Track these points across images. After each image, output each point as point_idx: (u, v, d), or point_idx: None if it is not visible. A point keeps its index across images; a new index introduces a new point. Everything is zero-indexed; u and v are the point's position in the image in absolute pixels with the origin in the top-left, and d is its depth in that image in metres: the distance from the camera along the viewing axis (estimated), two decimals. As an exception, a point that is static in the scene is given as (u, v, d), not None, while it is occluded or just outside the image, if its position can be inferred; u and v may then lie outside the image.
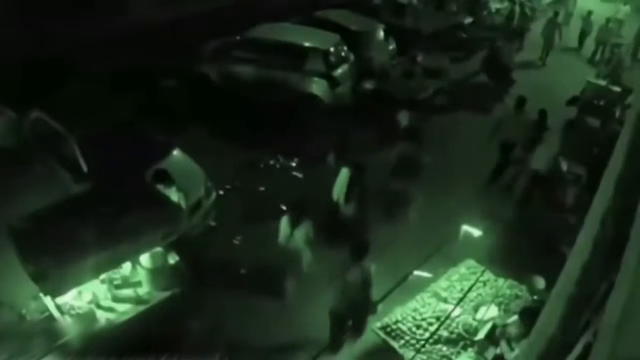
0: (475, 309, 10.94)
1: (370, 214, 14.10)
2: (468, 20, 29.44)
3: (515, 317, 9.68)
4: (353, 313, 10.95)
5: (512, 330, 9.63)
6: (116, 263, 10.35)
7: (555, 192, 15.29)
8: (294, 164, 16.84)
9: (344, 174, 13.48)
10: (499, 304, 10.99)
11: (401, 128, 15.63)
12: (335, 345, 11.37)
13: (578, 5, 33.97)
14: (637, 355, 3.21)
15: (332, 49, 19.67)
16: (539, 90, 21.39)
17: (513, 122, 16.03)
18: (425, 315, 10.86)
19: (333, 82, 19.44)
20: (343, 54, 20.34)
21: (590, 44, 30.16)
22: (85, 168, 12.62)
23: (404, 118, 15.91)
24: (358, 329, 11.25)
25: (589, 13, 30.30)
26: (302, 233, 11.72)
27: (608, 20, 29.48)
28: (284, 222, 11.86)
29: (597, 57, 29.46)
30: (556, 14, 29.00)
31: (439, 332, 10.32)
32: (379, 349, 10.76)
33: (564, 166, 15.32)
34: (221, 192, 14.67)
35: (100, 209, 9.91)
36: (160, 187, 11.48)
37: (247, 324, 11.48)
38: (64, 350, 9.43)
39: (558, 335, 4.88)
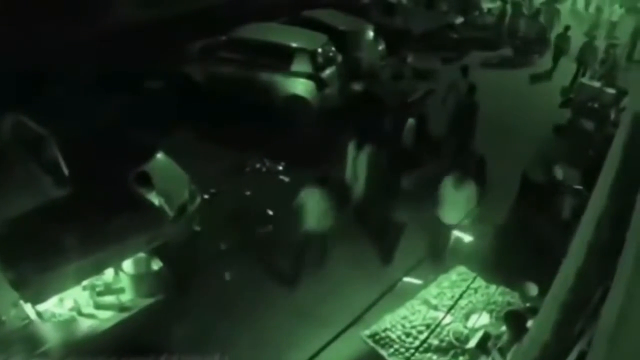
0: (467, 316, 10.92)
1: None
2: (459, 20, 29.58)
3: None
4: None
5: (504, 338, 9.69)
6: (98, 269, 10.37)
7: (550, 197, 15.35)
8: (280, 168, 16.87)
9: (412, 122, 16.22)
10: (490, 312, 10.96)
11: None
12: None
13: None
14: (633, 364, 3.24)
15: (319, 50, 19.72)
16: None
17: None
18: (415, 323, 10.79)
19: (320, 84, 19.47)
20: (331, 54, 20.40)
21: (566, 69, 26.79)
22: (66, 172, 12.62)
23: (465, 73, 19.29)
24: None
25: (567, 28, 27.63)
26: (366, 156, 14.11)
27: (593, 37, 27.02)
28: (352, 146, 14.30)
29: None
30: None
31: (429, 341, 10.29)
32: (368, 358, 10.74)
33: (559, 174, 15.35)
34: (206, 197, 14.65)
35: (82, 214, 9.94)
36: (143, 191, 11.50)
37: (233, 332, 11.53)
38: (45, 358, 9.45)
39: (552, 343, 4.88)
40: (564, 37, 27.30)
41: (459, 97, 18.45)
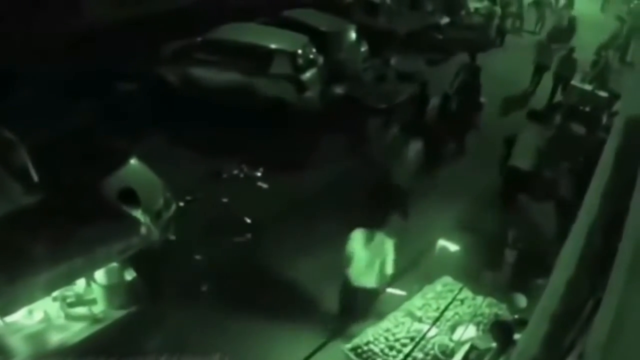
0: (452, 329, 10.92)
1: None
2: (445, 20, 29.69)
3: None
4: None
5: (491, 352, 9.71)
6: (69, 279, 10.28)
7: (544, 183, 15.43)
8: (259, 174, 16.81)
9: (436, 100, 19.39)
10: (477, 324, 10.97)
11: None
12: None
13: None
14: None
15: (299, 51, 19.75)
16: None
17: None
18: (398, 336, 10.79)
19: (301, 86, 19.48)
20: (311, 56, 20.43)
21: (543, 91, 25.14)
22: (36, 178, 12.58)
23: (469, 58, 22.07)
24: None
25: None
26: (413, 150, 15.32)
27: (572, 49, 24.30)
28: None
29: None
30: None
31: (414, 354, 10.28)
32: (350, 371, 10.76)
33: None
34: (181, 204, 14.55)
35: (53, 222, 9.91)
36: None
37: (209, 344, 11.52)
38: (13, 373, 9.43)
39: (541, 356, 4.86)
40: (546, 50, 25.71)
41: (466, 78, 20.73)
